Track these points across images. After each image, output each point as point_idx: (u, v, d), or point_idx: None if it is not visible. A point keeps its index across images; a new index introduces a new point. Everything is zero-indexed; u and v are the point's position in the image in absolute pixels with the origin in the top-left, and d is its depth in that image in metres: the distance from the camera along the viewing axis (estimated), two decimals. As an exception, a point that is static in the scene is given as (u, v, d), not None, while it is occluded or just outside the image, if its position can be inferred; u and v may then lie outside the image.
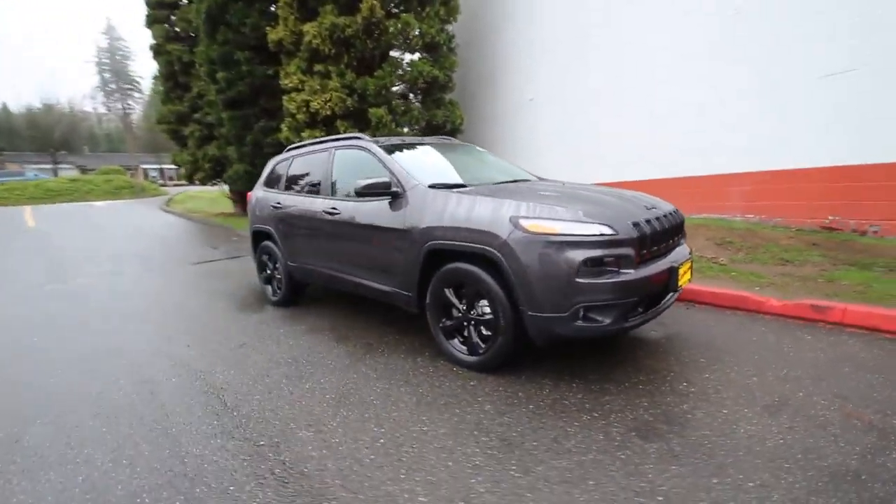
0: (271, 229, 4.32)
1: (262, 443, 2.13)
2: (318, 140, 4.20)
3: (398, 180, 3.08)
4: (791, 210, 5.53)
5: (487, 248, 2.50)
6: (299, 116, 8.68)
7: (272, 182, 4.52)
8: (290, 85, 8.85)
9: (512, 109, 9.36)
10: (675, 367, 2.67)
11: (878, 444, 1.87)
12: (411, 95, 9.30)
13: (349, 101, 8.36)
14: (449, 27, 8.99)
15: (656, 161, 6.80)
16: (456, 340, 2.85)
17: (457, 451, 1.98)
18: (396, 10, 8.77)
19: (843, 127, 5.06)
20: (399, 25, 8.32)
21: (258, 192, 4.68)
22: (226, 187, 14.41)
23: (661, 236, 2.62)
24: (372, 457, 1.97)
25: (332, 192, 3.71)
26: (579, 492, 1.68)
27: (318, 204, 3.74)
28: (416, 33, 8.23)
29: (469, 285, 2.69)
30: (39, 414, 2.51)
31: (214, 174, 13.27)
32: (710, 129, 6.19)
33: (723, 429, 2.03)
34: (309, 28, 8.34)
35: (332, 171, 3.74)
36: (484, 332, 2.69)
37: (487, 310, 2.63)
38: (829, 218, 5.18)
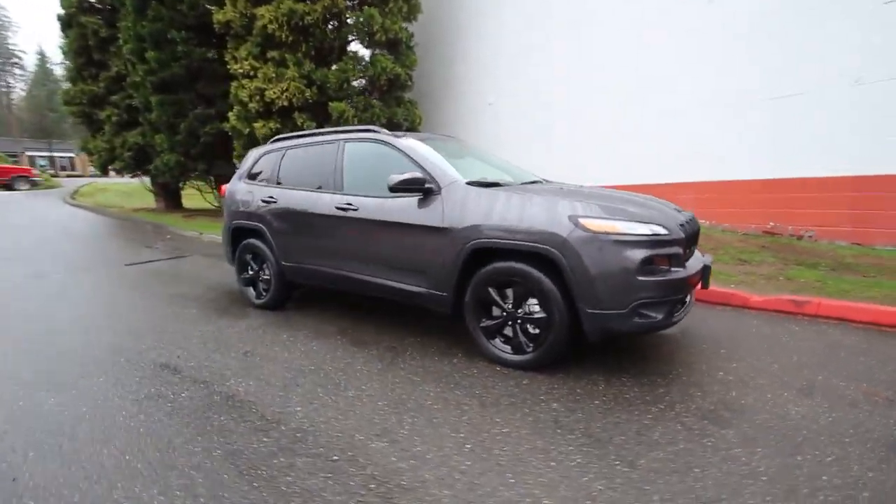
0: (261, 226, 3.95)
1: (335, 457, 1.94)
2: (318, 131, 3.93)
3: (432, 176, 2.98)
4: (736, 216, 6.21)
5: (546, 246, 2.50)
6: (252, 105, 8.07)
7: (258, 175, 4.14)
8: (241, 71, 8.21)
9: (471, 112, 9.47)
10: (703, 358, 2.87)
11: (904, 416, 2.17)
12: (367, 93, 9.03)
13: (308, 93, 7.94)
14: (408, 25, 8.89)
15: (616, 167, 7.27)
16: (498, 340, 2.82)
17: (551, 450, 1.95)
18: (353, 2, 8.48)
19: (778, 145, 5.80)
20: (362, 18, 8.07)
21: (238, 185, 4.27)
22: (146, 179, 12.95)
23: (692, 238, 2.81)
24: (468, 463, 1.88)
25: (343, 186, 3.49)
26: (692, 480, 1.74)
27: (327, 199, 3.50)
28: (379, 27, 8.02)
29: (518, 284, 2.67)
30: (24, 445, 2.07)
31: (136, 164, 11.82)
32: (664, 141, 6.76)
33: (777, 412, 2.22)
34: (264, 11, 7.79)
35: (343, 165, 3.51)
36: (531, 330, 2.69)
37: (536, 308, 2.63)
38: (771, 224, 5.89)
